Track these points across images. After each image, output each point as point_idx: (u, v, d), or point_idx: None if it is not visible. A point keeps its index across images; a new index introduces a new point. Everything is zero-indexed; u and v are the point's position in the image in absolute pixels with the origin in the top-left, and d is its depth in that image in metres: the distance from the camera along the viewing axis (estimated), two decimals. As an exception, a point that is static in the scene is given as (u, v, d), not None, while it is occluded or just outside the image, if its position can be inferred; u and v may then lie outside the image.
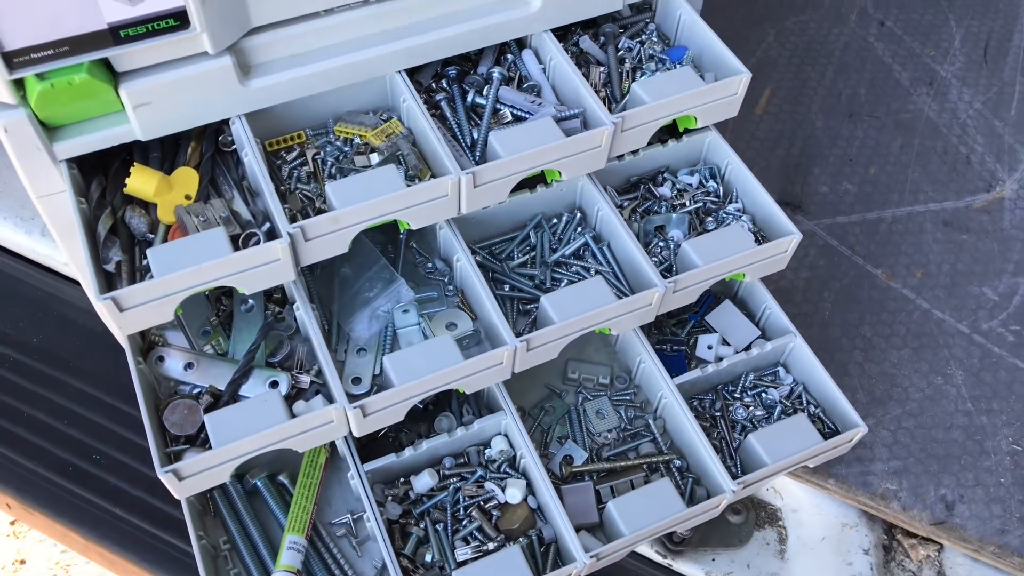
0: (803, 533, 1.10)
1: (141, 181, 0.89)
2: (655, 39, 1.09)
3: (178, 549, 1.13)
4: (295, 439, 0.87)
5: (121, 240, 0.88)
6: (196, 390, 0.92)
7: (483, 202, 0.94)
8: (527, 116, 0.99)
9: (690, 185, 1.09)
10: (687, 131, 1.08)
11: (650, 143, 1.07)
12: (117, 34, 0.81)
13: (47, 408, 1.23)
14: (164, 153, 0.95)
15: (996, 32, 1.57)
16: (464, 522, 0.97)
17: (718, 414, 1.05)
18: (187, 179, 0.92)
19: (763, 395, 1.06)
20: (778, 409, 1.05)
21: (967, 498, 1.08)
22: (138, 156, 0.94)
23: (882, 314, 1.23)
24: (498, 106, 1.00)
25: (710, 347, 1.08)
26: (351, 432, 0.90)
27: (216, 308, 0.98)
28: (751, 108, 1.46)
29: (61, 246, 0.95)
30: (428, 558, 0.94)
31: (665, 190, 1.08)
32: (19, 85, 0.82)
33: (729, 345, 1.09)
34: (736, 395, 1.07)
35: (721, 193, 1.09)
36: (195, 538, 0.91)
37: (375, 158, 0.96)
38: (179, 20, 0.82)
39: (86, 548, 1.17)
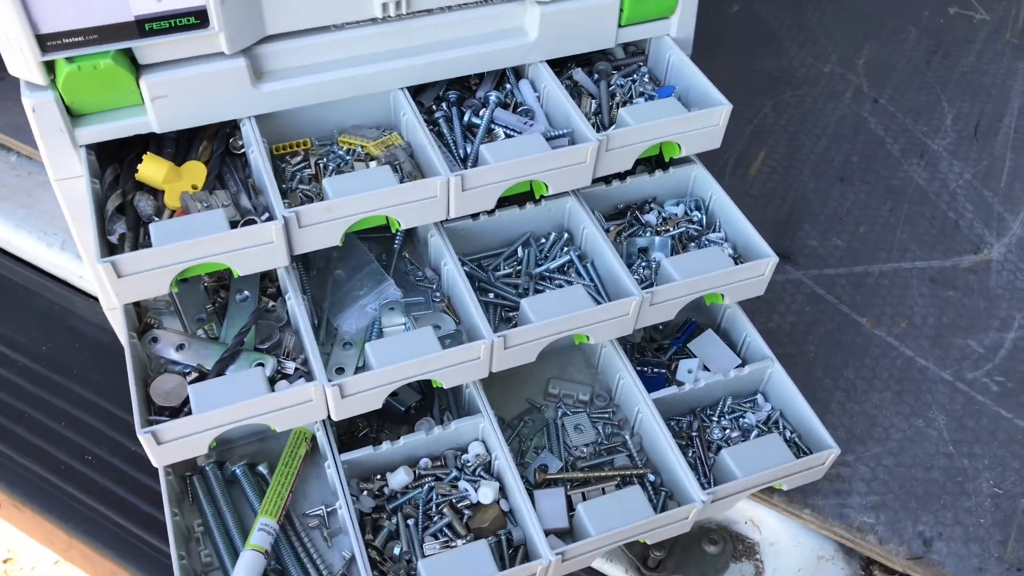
0: (780, 565, 1.09)
1: (152, 168, 0.96)
2: (646, 80, 1.16)
3: (158, 550, 1.14)
4: (274, 415, 0.90)
5: (128, 219, 0.94)
6: (186, 370, 0.96)
7: (472, 207, 0.99)
8: (519, 136, 1.05)
9: (675, 214, 1.14)
10: (673, 163, 1.14)
11: (637, 172, 1.13)
12: (142, 27, 0.89)
13: (47, 410, 1.26)
14: (178, 149, 1.02)
15: (987, 114, 1.64)
16: (435, 519, 0.98)
17: (695, 434, 1.06)
18: (195, 171, 0.98)
19: (741, 419, 1.08)
20: (755, 433, 1.07)
21: (946, 536, 1.07)
22: (153, 148, 1.00)
23: (865, 359, 1.25)
24: (492, 126, 1.07)
25: (690, 371, 1.11)
26: (330, 416, 0.93)
27: (213, 299, 1.03)
28: (746, 169, 1.52)
29: (72, 229, 1.01)
30: (396, 551, 0.95)
31: (651, 217, 1.13)
32: (49, 68, 0.89)
33: (709, 371, 1.11)
34: (714, 418, 1.08)
35: (704, 223, 1.13)
36: (169, 515, 0.93)
37: (374, 166, 1.02)
38: (199, 18, 0.90)
39: (68, 546, 1.18)
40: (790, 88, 1.68)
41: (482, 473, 1.01)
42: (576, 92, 1.12)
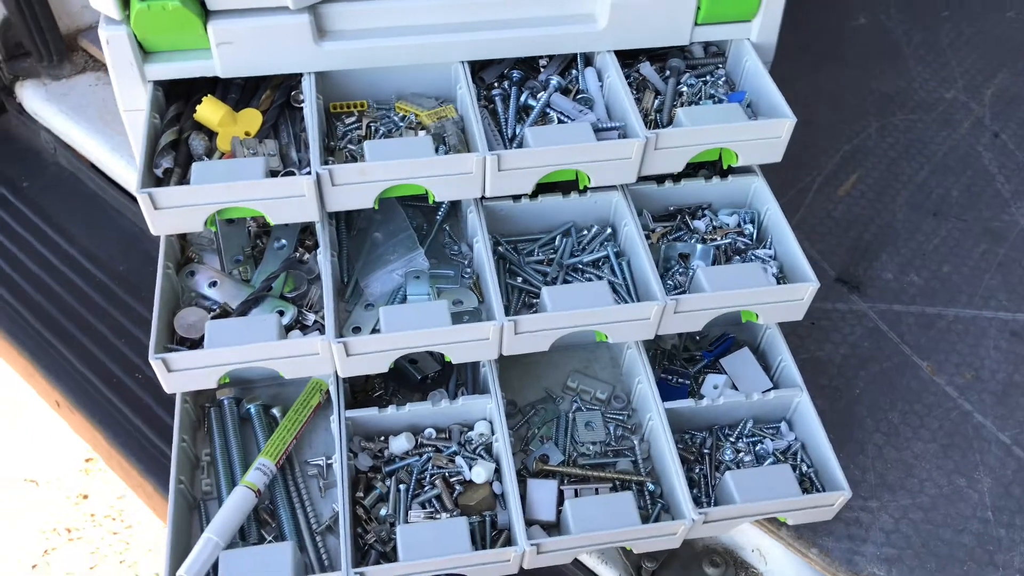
0: (779, 600, 1.06)
1: (209, 110, 1.00)
2: (721, 83, 1.12)
3: (182, 473, 1.20)
4: (281, 362, 0.93)
5: (179, 156, 0.98)
6: (214, 306, 1.00)
7: (509, 188, 0.99)
8: (568, 123, 1.03)
9: (727, 224, 1.10)
10: (731, 170, 1.10)
11: (692, 176, 1.10)
12: (212, -27, 0.92)
13: (112, 325, 1.35)
14: (242, 95, 1.06)
15: (1120, 167, 1.50)
16: (426, 489, 0.99)
17: (707, 451, 1.03)
18: (251, 118, 1.02)
19: (758, 444, 1.04)
20: (769, 461, 1.02)
21: (960, 605, 1.01)
22: (219, 93, 1.05)
23: (916, 405, 1.17)
24: (548, 110, 1.06)
25: (716, 387, 1.07)
26: (337, 371, 0.95)
27: (253, 242, 1.07)
28: (834, 189, 1.45)
29: (135, 159, 1.07)
30: (383, 512, 0.97)
31: (700, 224, 1.10)
32: (125, 5, 0.94)
33: (737, 391, 1.08)
34: (731, 438, 1.05)
35: (755, 237, 1.09)
36: (177, 440, 0.98)
37: (423, 135, 1.03)
38: (267, -29, 0.93)
39: (109, 454, 1.26)
40: (903, 111, 1.59)
41: (482, 453, 1.02)
42: (642, 87, 1.10)
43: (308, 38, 0.99)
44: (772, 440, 1.04)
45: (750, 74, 1.10)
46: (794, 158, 1.47)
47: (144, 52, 0.98)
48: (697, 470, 1.02)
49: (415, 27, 1.02)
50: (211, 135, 1.01)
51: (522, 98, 1.06)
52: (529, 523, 0.98)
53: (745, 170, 1.12)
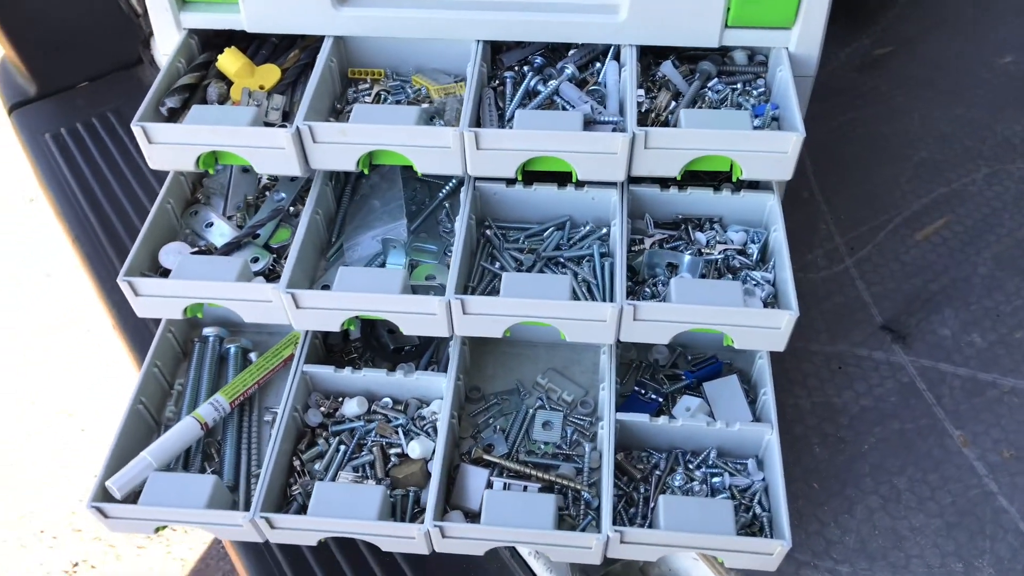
0: (714, 648, 0.97)
1: (229, 60, 1.05)
2: (755, 93, 1.05)
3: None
4: (238, 304, 0.96)
5: (192, 99, 1.04)
6: (202, 244, 1.05)
7: (491, 169, 0.97)
8: (559, 111, 1.01)
9: (731, 240, 1.03)
10: (742, 185, 1.03)
11: (699, 185, 1.04)
12: (236, -71, 0.98)
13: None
14: (273, 53, 1.11)
15: None
16: (363, 454, 0.99)
17: (659, 472, 0.97)
18: (268, 73, 1.06)
19: (717, 477, 0.96)
20: (722, 496, 0.95)
21: None
22: (251, 48, 1.10)
23: (931, 474, 1.05)
24: (555, 98, 1.03)
25: (688, 409, 1.01)
26: (291, 322, 0.97)
27: (260, 192, 1.11)
28: (913, 231, 1.32)
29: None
30: (317, 467, 0.98)
31: (703, 236, 1.03)
32: (163, -47, 1.01)
33: (713, 419, 1.00)
34: (692, 466, 0.98)
35: (757, 258, 1.01)
36: (148, 362, 1.03)
37: (425, 107, 1.04)
38: (286, -69, 0.97)
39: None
40: (1022, 158, 1.42)
41: (430, 431, 1.01)
42: (663, 84, 1.05)
43: (326, 2, 1.02)
44: (732, 476, 0.96)
45: (780, 86, 1.02)
46: (875, 192, 1.37)
47: (182, 1, 1.05)
48: (642, 489, 0.96)
49: (435, 1, 1.03)
50: (231, 85, 1.07)
51: (532, 83, 1.04)
52: (455, 507, 0.96)
53: (763, 187, 1.04)
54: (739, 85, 1.05)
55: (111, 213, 1.54)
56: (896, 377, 1.14)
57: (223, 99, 1.05)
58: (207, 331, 1.10)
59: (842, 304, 1.23)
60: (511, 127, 1.00)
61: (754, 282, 0.98)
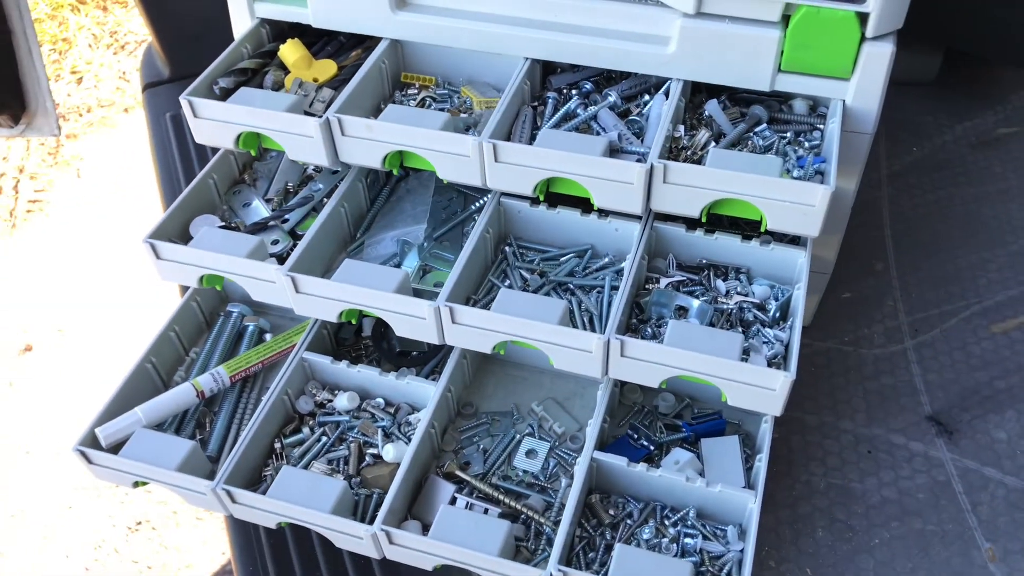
0: None
1: (289, 51, 1.09)
2: (806, 144, 0.99)
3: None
4: (245, 280, 0.99)
5: (248, 82, 1.08)
6: (234, 220, 1.09)
7: (508, 184, 0.96)
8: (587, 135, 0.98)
9: (752, 293, 0.97)
10: (767, 235, 0.97)
11: (725, 231, 1.00)
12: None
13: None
14: (337, 51, 1.14)
15: None
16: (341, 448, 0.99)
17: (630, 521, 0.92)
18: (325, 68, 1.10)
19: (690, 538, 0.90)
20: (691, 558, 0.89)
21: None
22: (319, 43, 1.14)
23: (944, 584, 0.94)
24: (592, 123, 1.01)
25: (677, 463, 0.95)
26: (292, 305, 0.99)
27: (303, 181, 1.14)
28: (989, 322, 1.20)
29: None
30: (295, 453, 0.99)
31: (722, 285, 0.98)
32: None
33: (703, 477, 0.94)
34: (669, 522, 0.92)
35: (775, 316, 0.95)
36: (166, 325, 1.08)
37: (464, 117, 1.04)
38: (351, -68, 1.00)
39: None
40: None
41: (412, 436, 0.99)
42: (708, 122, 1.01)
43: (385, 4, 1.04)
44: (707, 540, 0.90)
45: (828, 138, 0.96)
46: (957, 276, 1.27)
47: (256, -10, 1.10)
48: (608, 536, 0.91)
49: (487, 15, 1.03)
50: (289, 74, 1.11)
51: (572, 106, 1.03)
52: (416, 517, 0.94)
53: (800, 243, 0.98)
54: (790, 135, 1.00)
55: (203, 192, 1.62)
56: (931, 473, 1.04)
57: (278, 87, 1.09)
58: (231, 307, 1.13)
59: (890, 386, 1.13)
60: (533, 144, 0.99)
61: (765, 339, 0.92)
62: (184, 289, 1.13)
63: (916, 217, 1.35)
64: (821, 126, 1.01)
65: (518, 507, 0.93)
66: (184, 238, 1.07)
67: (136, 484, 0.97)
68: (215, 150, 1.69)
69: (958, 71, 1.56)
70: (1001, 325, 1.20)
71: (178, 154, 1.71)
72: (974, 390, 1.12)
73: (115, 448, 0.97)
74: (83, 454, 0.96)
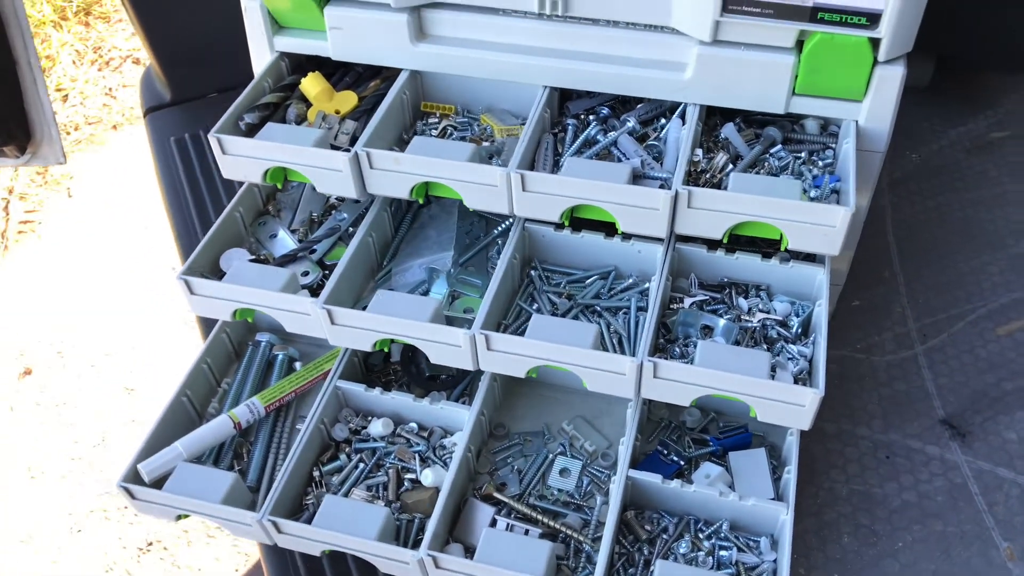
0: None
1: (311, 84, 1.11)
2: (821, 164, 1.03)
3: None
4: (279, 313, 1.01)
5: (272, 117, 1.10)
6: (262, 253, 1.11)
7: (535, 211, 0.99)
8: (610, 162, 1.01)
9: (774, 310, 1.00)
10: (793, 256, 1.00)
11: (747, 250, 1.03)
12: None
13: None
14: (356, 82, 1.16)
15: None
16: (379, 475, 1.02)
17: (666, 537, 0.95)
18: (347, 100, 1.12)
19: (725, 551, 0.93)
20: (727, 571, 0.92)
21: None
22: (337, 75, 1.16)
23: (967, 584, 0.98)
24: (612, 149, 1.04)
25: (707, 477, 0.98)
26: (328, 337, 1.01)
27: (327, 210, 1.16)
28: (995, 324, 1.24)
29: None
30: (334, 481, 1.01)
31: (744, 302, 1.01)
32: (262, -19, 1.08)
33: (733, 490, 0.98)
34: (704, 535, 0.95)
35: (798, 332, 0.98)
36: (199, 359, 1.09)
37: (486, 145, 1.07)
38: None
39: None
40: None
41: (448, 460, 1.02)
42: (724, 145, 1.04)
43: (405, 36, 1.07)
44: (742, 551, 0.93)
45: (843, 159, 0.99)
46: (961, 280, 1.31)
47: (277, 26, 1.12)
48: (646, 551, 0.94)
49: (506, 45, 1.06)
50: (311, 107, 1.13)
51: (592, 132, 1.05)
52: (458, 540, 0.97)
53: (817, 260, 1.02)
54: (804, 154, 1.03)
55: (213, 217, 1.63)
56: (948, 476, 1.08)
57: (301, 120, 1.11)
58: (260, 336, 1.15)
59: (903, 392, 1.17)
60: (560, 172, 1.02)
61: (789, 356, 0.96)
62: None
63: (918, 224, 1.39)
64: (833, 145, 1.05)
65: (557, 526, 0.96)
66: (215, 271, 1.09)
67: (179, 517, 0.99)
68: (222, 176, 1.71)
69: (950, 77, 1.60)
70: (1005, 328, 1.24)
71: (185, 179, 1.72)
72: (983, 392, 1.16)
73: (157, 483, 0.99)
74: (127, 490, 0.98)
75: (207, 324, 1.44)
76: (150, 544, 2.19)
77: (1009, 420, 1.13)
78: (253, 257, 1.08)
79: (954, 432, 1.12)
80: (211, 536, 2.19)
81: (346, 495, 1.00)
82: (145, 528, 2.20)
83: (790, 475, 0.95)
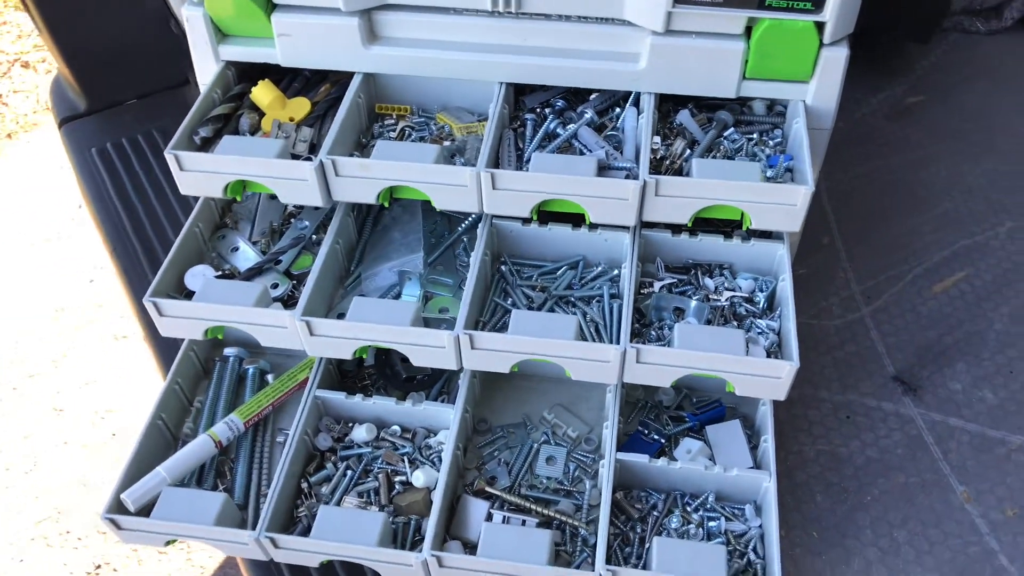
0: None
1: (262, 93, 1.09)
2: (771, 144, 1.07)
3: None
4: (256, 328, 1.00)
5: (225, 129, 1.08)
6: (226, 267, 1.09)
7: (506, 208, 1.00)
8: (575, 156, 1.03)
9: (739, 288, 1.05)
10: (753, 233, 1.05)
11: (710, 232, 1.06)
12: (273, -30, 1.02)
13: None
14: (305, 86, 1.15)
15: None
16: (368, 480, 1.02)
17: (657, 513, 0.99)
18: (300, 106, 1.10)
19: (713, 521, 0.98)
20: (717, 540, 0.96)
21: None
22: (285, 81, 1.14)
23: (932, 529, 1.05)
24: (573, 141, 1.06)
25: (689, 451, 1.02)
26: (306, 348, 1.01)
27: (286, 220, 1.15)
28: (931, 283, 1.32)
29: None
30: (324, 491, 1.01)
31: (710, 282, 1.05)
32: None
33: (714, 463, 1.02)
34: (691, 508, 0.99)
35: (764, 307, 1.03)
36: (170, 379, 1.07)
37: (446, 145, 1.07)
38: (321, -27, 1.01)
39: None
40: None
41: (436, 460, 1.03)
42: (680, 132, 1.07)
43: (356, 40, 1.06)
44: (729, 520, 0.98)
45: (795, 137, 1.04)
46: (896, 242, 1.38)
47: (221, 35, 1.10)
48: (639, 529, 0.98)
49: (460, 43, 1.06)
50: (263, 116, 1.11)
51: (552, 126, 1.07)
52: (455, 537, 0.98)
53: (774, 236, 1.06)
54: (756, 135, 1.07)
55: (149, 228, 1.59)
56: (904, 429, 1.15)
57: (254, 130, 1.09)
58: (228, 351, 1.13)
59: (855, 353, 1.24)
60: (528, 169, 1.03)
61: (759, 330, 1.00)
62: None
63: (851, 191, 1.45)
64: (781, 124, 1.09)
65: (551, 514, 0.99)
66: (179, 290, 1.06)
67: (168, 543, 0.98)
68: (155, 184, 1.66)
69: (864, 46, 1.67)
70: (941, 285, 1.32)
71: (113, 190, 1.67)
72: (927, 348, 1.24)
73: (143, 510, 0.97)
74: (113, 522, 0.96)
75: (149, 337, 1.42)
76: (98, 567, 2.13)
77: (952, 372, 1.21)
78: (219, 273, 1.06)
79: (906, 388, 1.19)
80: (163, 552, 2.14)
81: (338, 504, 1.00)
82: (91, 551, 2.14)
83: (767, 444, 1.00)
